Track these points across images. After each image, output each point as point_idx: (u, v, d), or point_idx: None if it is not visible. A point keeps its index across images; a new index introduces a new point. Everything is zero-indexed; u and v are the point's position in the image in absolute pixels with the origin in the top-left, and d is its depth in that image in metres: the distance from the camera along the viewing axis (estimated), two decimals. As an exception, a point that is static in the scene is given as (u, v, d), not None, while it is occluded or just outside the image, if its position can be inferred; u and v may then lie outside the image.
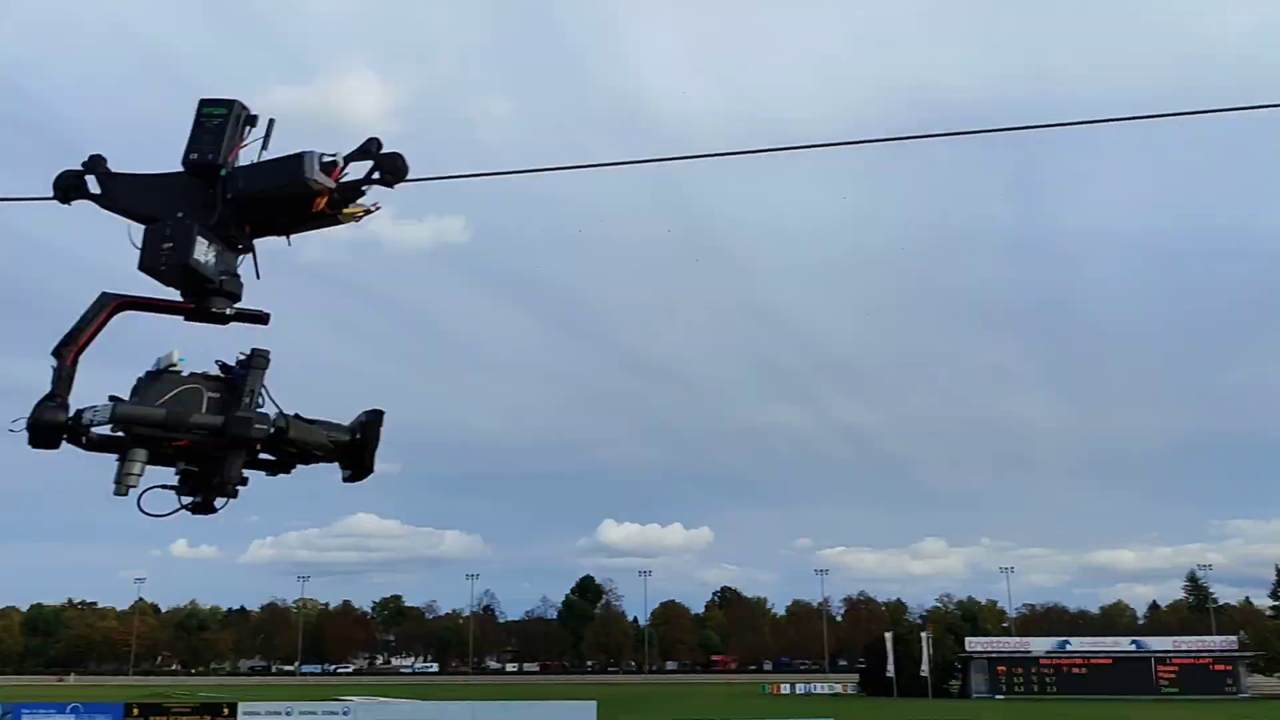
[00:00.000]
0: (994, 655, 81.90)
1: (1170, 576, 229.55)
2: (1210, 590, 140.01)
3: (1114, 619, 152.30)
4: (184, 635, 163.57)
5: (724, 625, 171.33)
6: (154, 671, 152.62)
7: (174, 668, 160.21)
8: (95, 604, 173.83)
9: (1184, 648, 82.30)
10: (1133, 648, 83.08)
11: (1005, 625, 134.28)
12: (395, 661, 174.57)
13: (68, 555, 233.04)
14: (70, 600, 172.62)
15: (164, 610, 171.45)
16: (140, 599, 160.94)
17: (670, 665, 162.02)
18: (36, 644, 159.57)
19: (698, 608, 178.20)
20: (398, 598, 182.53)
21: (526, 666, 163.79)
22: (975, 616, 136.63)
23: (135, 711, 47.89)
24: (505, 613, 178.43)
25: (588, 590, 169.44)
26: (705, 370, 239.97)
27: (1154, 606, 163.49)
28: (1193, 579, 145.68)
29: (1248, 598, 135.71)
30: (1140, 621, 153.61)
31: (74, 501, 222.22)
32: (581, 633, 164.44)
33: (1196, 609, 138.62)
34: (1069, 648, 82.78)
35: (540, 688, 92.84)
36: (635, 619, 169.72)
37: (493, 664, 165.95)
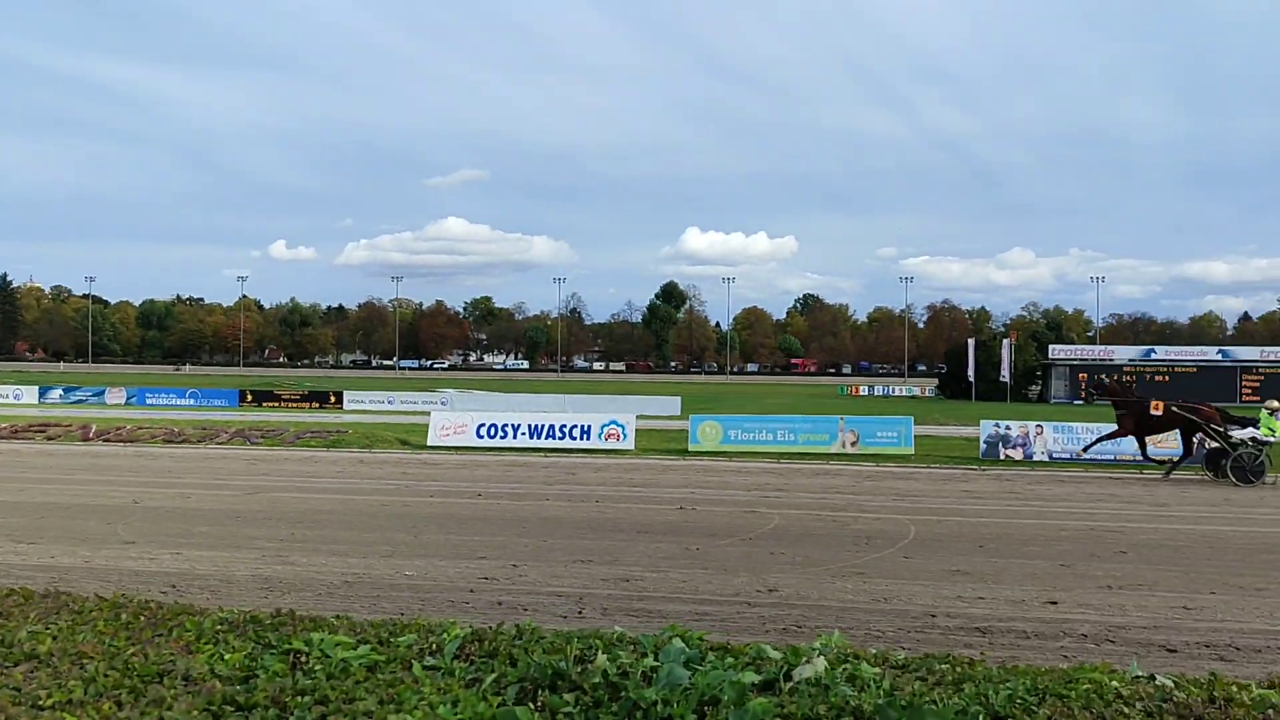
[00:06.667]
0: (1076, 363, 79.21)
1: (1263, 289, 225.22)
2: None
3: (1202, 330, 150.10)
4: (288, 330, 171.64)
5: (805, 331, 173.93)
6: (262, 364, 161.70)
7: (280, 360, 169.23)
8: (202, 300, 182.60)
9: (1271, 358, 79.81)
10: (1219, 357, 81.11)
11: (1090, 335, 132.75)
12: (487, 359, 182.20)
13: (172, 256, 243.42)
14: (179, 296, 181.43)
15: (267, 307, 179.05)
16: (244, 296, 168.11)
17: (751, 368, 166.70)
18: (152, 336, 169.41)
19: (779, 314, 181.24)
20: (488, 299, 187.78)
21: (613, 366, 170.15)
22: (1060, 326, 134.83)
23: (249, 397, 50.79)
24: (591, 315, 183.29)
25: (671, 296, 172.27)
26: (796, 74, 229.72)
27: (1244, 318, 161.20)
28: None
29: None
30: (1229, 333, 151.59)
31: (172, 204, 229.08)
32: (665, 336, 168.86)
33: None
34: (1154, 356, 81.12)
35: (627, 384, 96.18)
36: (717, 324, 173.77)
37: (580, 363, 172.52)
